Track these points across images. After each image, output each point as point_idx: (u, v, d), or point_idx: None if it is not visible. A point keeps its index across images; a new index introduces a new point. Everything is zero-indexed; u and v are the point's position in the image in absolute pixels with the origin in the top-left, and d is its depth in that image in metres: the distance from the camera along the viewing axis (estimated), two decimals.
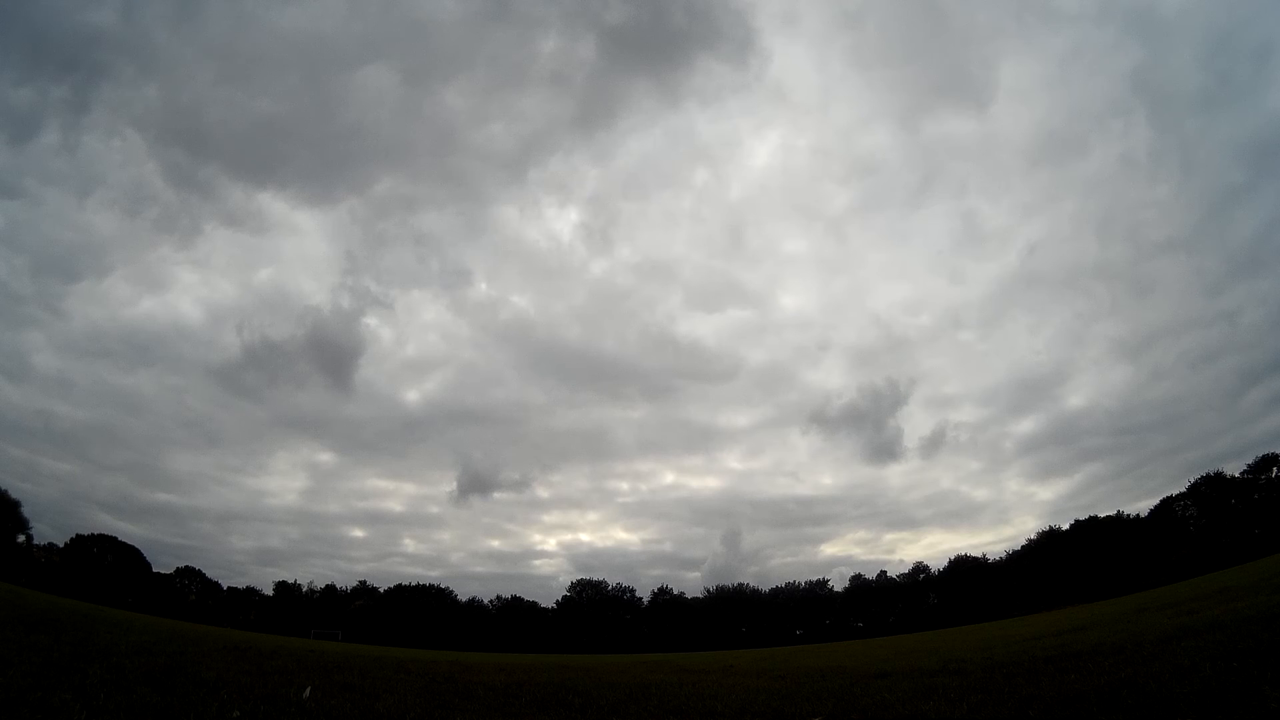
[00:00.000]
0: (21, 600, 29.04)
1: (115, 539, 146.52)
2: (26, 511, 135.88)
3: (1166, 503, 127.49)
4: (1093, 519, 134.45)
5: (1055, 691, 9.83)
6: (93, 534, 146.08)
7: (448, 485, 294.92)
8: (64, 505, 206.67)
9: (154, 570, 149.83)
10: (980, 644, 28.07)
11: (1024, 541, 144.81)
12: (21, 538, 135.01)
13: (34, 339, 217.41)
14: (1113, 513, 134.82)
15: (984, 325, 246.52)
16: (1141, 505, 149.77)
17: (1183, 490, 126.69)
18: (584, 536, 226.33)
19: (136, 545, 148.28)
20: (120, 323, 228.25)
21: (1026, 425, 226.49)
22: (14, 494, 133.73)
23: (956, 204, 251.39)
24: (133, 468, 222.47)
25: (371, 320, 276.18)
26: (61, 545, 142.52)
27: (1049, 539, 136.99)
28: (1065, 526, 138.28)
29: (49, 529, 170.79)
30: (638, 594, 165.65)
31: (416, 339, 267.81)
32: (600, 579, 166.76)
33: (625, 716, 12.01)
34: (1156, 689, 8.38)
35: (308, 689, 11.21)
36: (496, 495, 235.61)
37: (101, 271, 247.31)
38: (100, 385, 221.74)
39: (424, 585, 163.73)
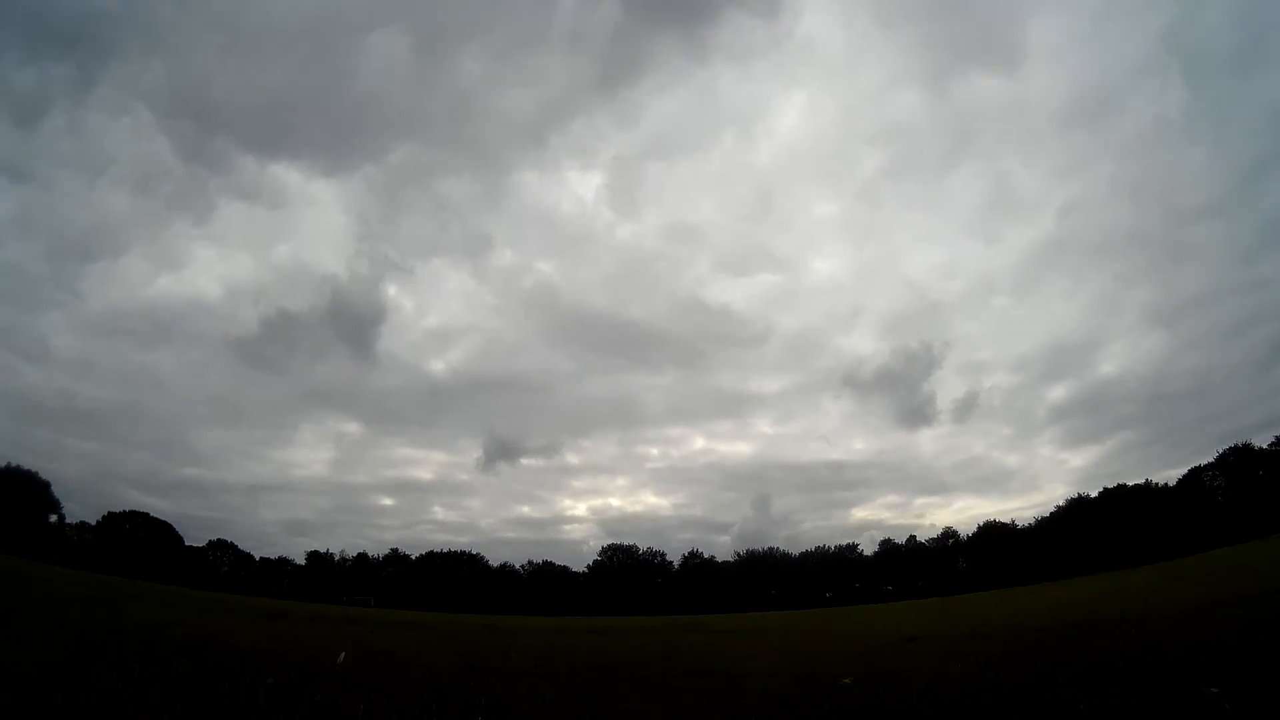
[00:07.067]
0: (55, 578, 29.39)
1: (147, 515, 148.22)
2: (56, 491, 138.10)
3: (1195, 473, 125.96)
4: (1121, 487, 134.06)
5: (1082, 658, 9.63)
6: (124, 511, 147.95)
7: (476, 453, 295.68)
8: (93, 484, 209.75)
9: (186, 544, 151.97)
10: (1008, 609, 27.99)
11: (1053, 508, 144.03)
12: (54, 517, 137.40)
13: (53, 321, 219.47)
14: (1141, 481, 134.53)
15: (1018, 290, 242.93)
16: (1170, 474, 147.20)
17: (1211, 460, 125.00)
18: (614, 501, 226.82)
19: (167, 520, 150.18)
20: (139, 301, 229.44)
21: (1059, 392, 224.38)
22: (43, 475, 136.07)
23: (989, 166, 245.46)
24: (159, 444, 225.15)
25: (392, 288, 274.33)
26: (93, 523, 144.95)
27: (1078, 506, 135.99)
28: (1094, 494, 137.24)
29: (79, 508, 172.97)
30: (668, 558, 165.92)
31: (439, 307, 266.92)
32: (631, 543, 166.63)
33: (656, 676, 11.91)
34: (1182, 658, 8.13)
35: (342, 654, 11.11)
36: (525, 462, 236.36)
37: (117, 251, 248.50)
38: (121, 364, 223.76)
39: (455, 552, 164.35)
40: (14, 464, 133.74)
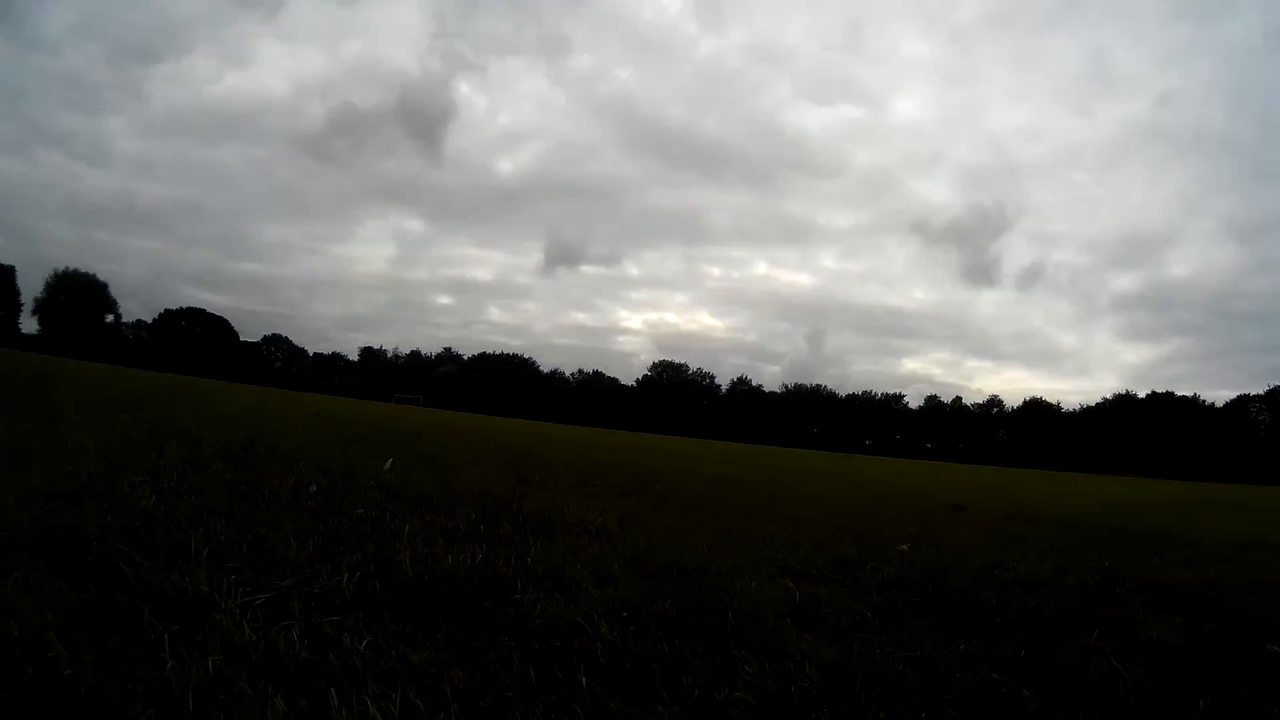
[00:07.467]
0: (106, 380, 29.88)
1: (204, 311, 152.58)
2: (115, 291, 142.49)
3: (1242, 400, 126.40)
4: (1169, 395, 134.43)
5: (1139, 571, 8.90)
6: (181, 308, 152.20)
7: (536, 256, 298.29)
8: (151, 282, 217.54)
9: (241, 339, 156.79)
10: (1049, 495, 27.58)
11: (1099, 399, 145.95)
12: (110, 317, 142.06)
13: (115, 124, 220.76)
14: (1190, 394, 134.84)
15: (1100, 169, 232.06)
16: (1218, 395, 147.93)
17: (1260, 393, 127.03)
18: (670, 317, 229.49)
19: (224, 316, 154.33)
20: (203, 100, 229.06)
21: (1125, 282, 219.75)
22: (102, 276, 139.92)
23: (1090, 37, 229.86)
24: (219, 241, 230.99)
25: (464, 86, 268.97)
26: (150, 321, 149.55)
27: (1124, 403, 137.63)
28: (1142, 395, 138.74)
29: (138, 306, 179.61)
30: (717, 380, 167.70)
31: (511, 108, 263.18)
32: (682, 362, 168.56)
33: (707, 511, 11.55)
34: (1242, 601, 7.36)
35: (389, 461, 10.83)
36: (585, 269, 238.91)
37: (181, 51, 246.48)
38: (184, 162, 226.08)
39: (507, 354, 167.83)
40: (72, 267, 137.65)
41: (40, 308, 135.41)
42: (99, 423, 12.52)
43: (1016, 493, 27.32)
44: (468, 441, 20.97)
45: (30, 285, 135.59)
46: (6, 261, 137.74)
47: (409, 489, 9.41)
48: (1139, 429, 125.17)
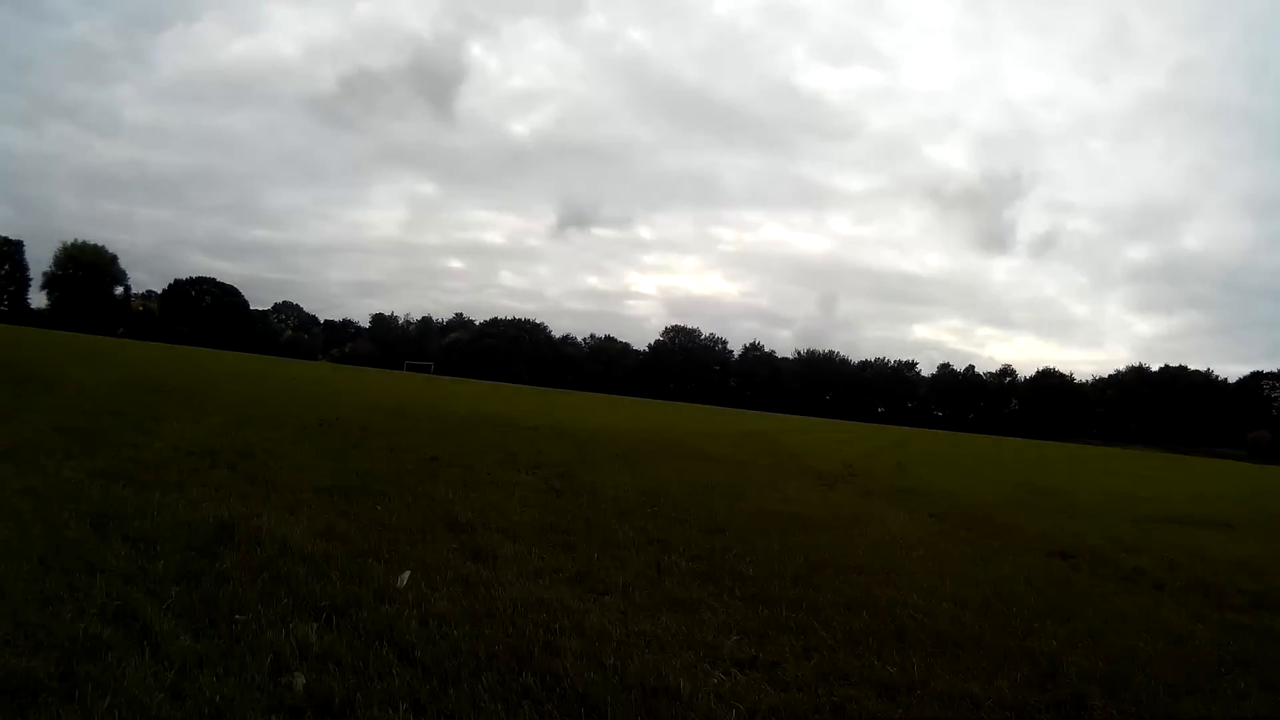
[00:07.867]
0: (94, 377, 26.87)
1: (213, 280, 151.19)
2: (125, 262, 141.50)
3: (1255, 376, 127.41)
4: (1182, 369, 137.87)
5: None
6: (191, 277, 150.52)
7: (549, 219, 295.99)
8: (161, 251, 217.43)
9: (251, 308, 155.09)
10: (1099, 489, 25.33)
11: (1112, 371, 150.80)
12: (120, 290, 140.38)
13: (123, 93, 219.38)
14: (1202, 368, 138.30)
15: (1117, 138, 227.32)
16: (1231, 370, 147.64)
17: (1274, 369, 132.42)
18: (682, 281, 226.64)
19: (234, 284, 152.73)
20: (213, 66, 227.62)
21: (1138, 252, 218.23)
22: (112, 247, 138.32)
23: (1109, 4, 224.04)
24: (230, 208, 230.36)
25: (476, 48, 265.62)
26: (160, 291, 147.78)
27: (1137, 376, 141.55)
28: (1155, 368, 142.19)
29: (148, 276, 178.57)
30: (729, 346, 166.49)
31: (524, 69, 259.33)
32: (694, 327, 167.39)
33: (813, 618, 8.68)
34: None
35: (405, 575, 8.04)
36: (597, 231, 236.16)
37: (190, 17, 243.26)
38: (194, 129, 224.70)
39: (519, 319, 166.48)
40: (81, 239, 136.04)
41: (50, 282, 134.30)
42: (37, 495, 9.62)
43: (1073, 497, 23.51)
44: (491, 459, 18.18)
45: (39, 258, 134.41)
46: (15, 235, 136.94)
47: (436, 644, 6.36)
48: (1152, 402, 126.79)
